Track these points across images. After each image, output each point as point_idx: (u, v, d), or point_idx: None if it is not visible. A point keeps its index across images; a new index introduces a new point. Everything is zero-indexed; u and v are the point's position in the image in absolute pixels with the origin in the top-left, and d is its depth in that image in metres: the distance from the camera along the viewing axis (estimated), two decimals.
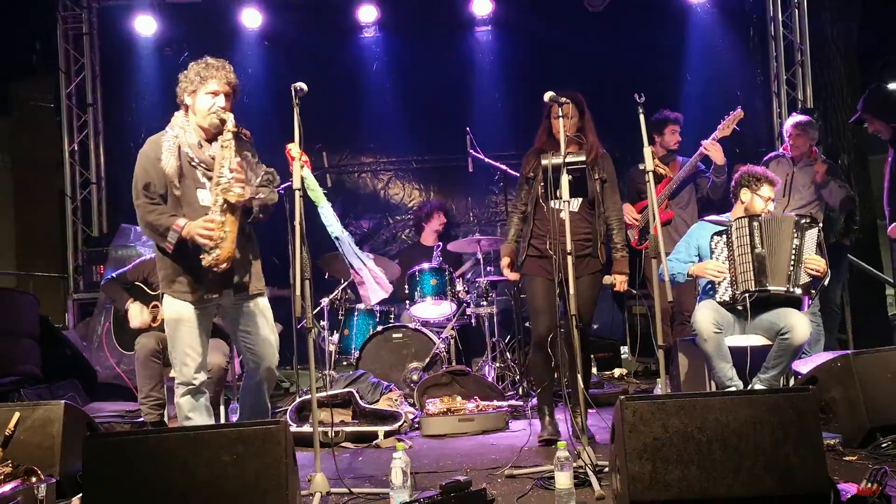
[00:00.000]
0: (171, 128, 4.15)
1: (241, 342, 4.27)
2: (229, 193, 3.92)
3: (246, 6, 8.44)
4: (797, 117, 6.68)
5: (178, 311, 4.11)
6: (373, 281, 4.45)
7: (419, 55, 8.67)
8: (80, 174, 8.82)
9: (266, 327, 4.24)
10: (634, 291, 5.30)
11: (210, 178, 4.05)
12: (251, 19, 8.48)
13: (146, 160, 4.09)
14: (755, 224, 4.98)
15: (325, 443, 4.73)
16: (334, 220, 4.32)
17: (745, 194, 5.16)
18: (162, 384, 5.25)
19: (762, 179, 5.13)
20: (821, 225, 5.05)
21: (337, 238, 4.34)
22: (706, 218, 5.39)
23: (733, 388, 4.77)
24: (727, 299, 4.98)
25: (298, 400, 5.53)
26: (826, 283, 5.01)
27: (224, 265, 3.96)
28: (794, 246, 4.91)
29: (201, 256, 3.95)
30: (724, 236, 5.06)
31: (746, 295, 4.90)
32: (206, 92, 4.08)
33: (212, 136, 4.12)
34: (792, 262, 4.89)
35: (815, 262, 4.89)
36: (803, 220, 4.99)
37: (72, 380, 6.64)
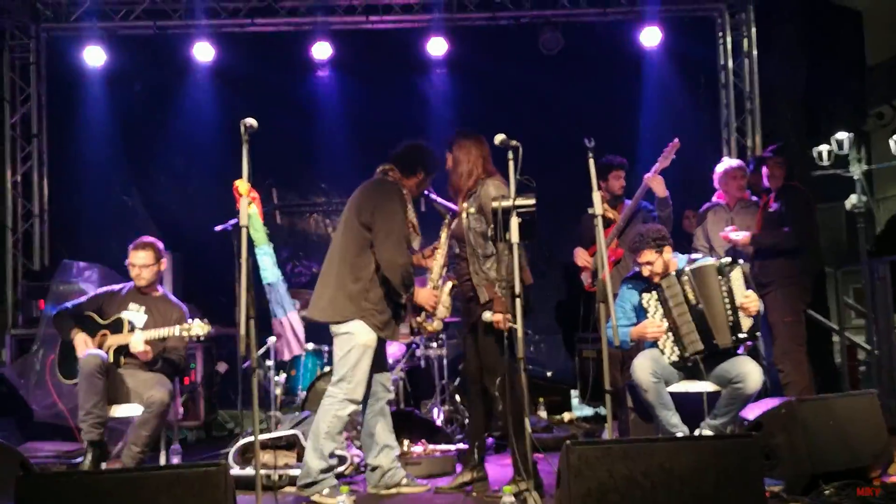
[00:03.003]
0: (397, 183, 4.84)
1: (375, 372, 4.89)
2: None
3: (198, 39, 8.35)
4: (724, 164, 6.71)
5: (372, 339, 4.72)
6: (291, 335, 4.39)
7: (373, 94, 8.63)
8: (23, 206, 8.62)
9: None
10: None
11: None
12: (203, 53, 8.39)
13: (404, 213, 4.66)
14: (684, 279, 4.94)
15: (268, 486, 4.65)
16: (271, 265, 4.27)
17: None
18: (105, 402, 5.06)
19: (638, 250, 5.04)
20: (741, 261, 4.98)
21: (269, 284, 4.29)
22: (625, 279, 5.36)
23: (680, 434, 4.75)
24: (676, 359, 4.94)
25: (241, 441, 5.41)
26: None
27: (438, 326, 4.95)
28: (724, 293, 4.87)
29: (423, 322, 4.88)
30: (655, 293, 5.02)
31: (697, 357, 4.87)
32: (428, 178, 4.97)
33: None
34: (729, 311, 4.86)
35: (749, 302, 4.83)
36: (723, 264, 4.93)
37: (7, 418, 6.45)
